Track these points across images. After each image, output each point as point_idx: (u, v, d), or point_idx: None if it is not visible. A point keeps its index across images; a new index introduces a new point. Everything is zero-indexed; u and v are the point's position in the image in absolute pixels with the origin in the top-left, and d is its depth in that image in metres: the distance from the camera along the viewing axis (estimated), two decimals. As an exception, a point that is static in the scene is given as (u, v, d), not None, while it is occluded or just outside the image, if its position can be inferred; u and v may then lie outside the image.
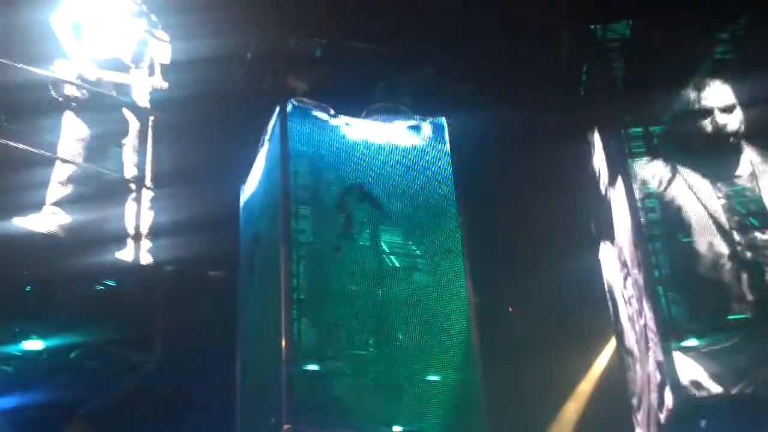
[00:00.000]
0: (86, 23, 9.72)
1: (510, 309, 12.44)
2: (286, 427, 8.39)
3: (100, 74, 9.57)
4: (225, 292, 10.02)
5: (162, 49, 10.02)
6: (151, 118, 9.70)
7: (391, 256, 9.97)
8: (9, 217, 8.52)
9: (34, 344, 8.33)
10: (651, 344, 9.09)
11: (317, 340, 9.19)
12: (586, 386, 12.42)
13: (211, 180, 10.05)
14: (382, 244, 9.89)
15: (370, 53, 10.73)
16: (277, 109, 10.23)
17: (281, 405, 8.54)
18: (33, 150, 8.73)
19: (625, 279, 9.74)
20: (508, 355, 11.02)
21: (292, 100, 10.16)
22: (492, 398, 9.32)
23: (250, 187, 10.79)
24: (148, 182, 9.35)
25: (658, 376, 8.91)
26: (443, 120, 10.43)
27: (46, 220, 8.75)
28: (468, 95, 10.58)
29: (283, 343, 8.88)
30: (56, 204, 8.88)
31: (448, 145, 10.37)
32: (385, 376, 9.31)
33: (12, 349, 8.31)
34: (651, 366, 9.10)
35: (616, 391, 10.40)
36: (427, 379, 9.41)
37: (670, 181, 9.74)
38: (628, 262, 9.58)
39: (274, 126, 10.25)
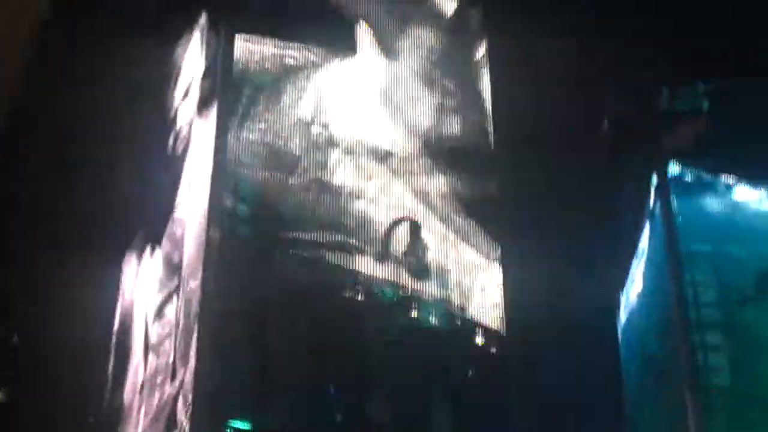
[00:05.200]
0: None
1: None
2: None
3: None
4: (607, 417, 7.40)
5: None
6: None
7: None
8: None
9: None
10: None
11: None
12: None
13: (582, 282, 7.53)
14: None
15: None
16: (654, 180, 7.62)
17: None
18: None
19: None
20: None
21: (673, 164, 7.60)
22: None
23: (631, 290, 8.14)
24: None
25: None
26: None
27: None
28: None
29: None
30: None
31: None
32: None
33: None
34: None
35: None
36: None
37: None
38: None
39: (654, 203, 7.67)
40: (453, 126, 7.33)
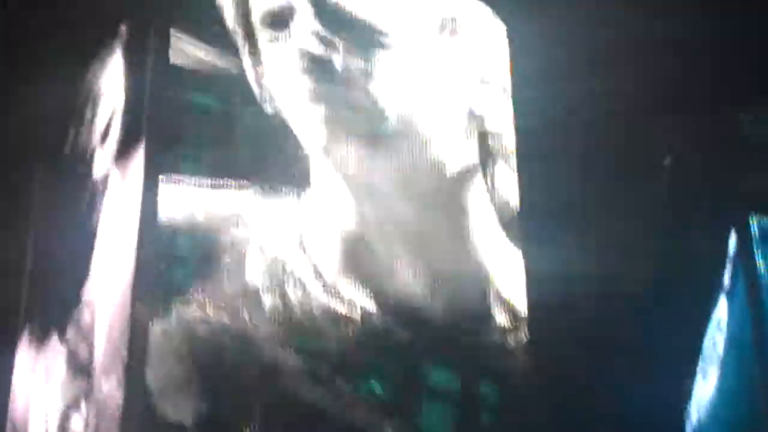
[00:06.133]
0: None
1: None
2: None
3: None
4: None
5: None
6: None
7: None
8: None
9: None
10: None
11: None
12: None
13: (640, 371, 5.77)
14: None
15: None
16: (733, 237, 6.03)
17: None
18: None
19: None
20: None
21: (758, 215, 6.08)
22: None
23: (705, 380, 6.32)
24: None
25: None
26: None
27: None
28: None
29: None
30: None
31: None
32: None
33: None
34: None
35: None
36: None
37: None
38: None
39: (733, 268, 6.06)
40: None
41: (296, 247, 5.04)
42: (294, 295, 4.94)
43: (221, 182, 5.00)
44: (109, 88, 5.47)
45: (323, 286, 5.03)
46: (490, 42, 5.67)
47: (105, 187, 5.27)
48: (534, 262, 5.35)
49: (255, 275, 4.94)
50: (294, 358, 4.86)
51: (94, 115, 5.57)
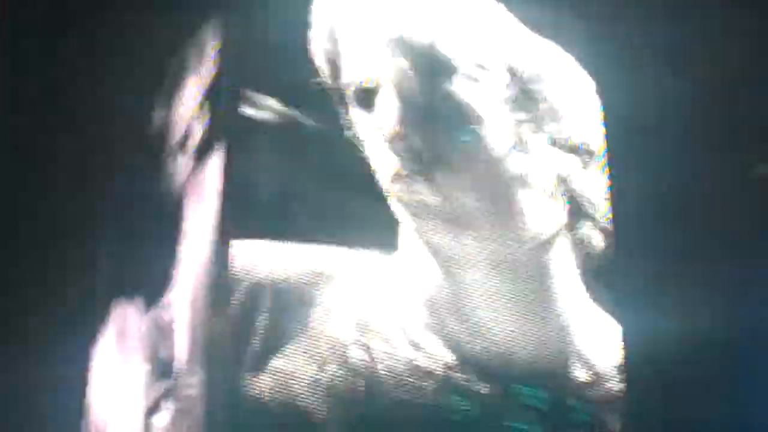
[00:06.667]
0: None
1: None
2: None
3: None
4: None
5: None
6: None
7: None
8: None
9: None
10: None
11: None
12: None
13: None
14: None
15: None
16: None
17: None
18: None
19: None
20: None
21: None
22: None
23: None
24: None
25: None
26: None
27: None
28: None
29: None
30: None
31: None
32: None
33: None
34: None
35: None
36: None
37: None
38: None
39: None
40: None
41: (382, 305, 4.78)
42: (379, 349, 4.72)
43: (304, 239, 4.70)
44: (187, 100, 5.02)
45: (408, 342, 4.81)
46: (578, 99, 5.14)
47: (183, 196, 4.93)
48: (628, 322, 5.01)
49: (341, 330, 4.70)
50: (379, 409, 4.71)
51: (170, 123, 5.14)
